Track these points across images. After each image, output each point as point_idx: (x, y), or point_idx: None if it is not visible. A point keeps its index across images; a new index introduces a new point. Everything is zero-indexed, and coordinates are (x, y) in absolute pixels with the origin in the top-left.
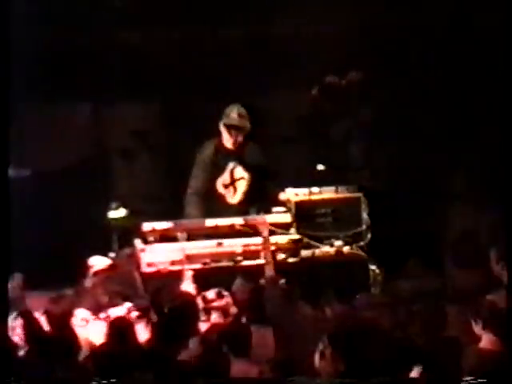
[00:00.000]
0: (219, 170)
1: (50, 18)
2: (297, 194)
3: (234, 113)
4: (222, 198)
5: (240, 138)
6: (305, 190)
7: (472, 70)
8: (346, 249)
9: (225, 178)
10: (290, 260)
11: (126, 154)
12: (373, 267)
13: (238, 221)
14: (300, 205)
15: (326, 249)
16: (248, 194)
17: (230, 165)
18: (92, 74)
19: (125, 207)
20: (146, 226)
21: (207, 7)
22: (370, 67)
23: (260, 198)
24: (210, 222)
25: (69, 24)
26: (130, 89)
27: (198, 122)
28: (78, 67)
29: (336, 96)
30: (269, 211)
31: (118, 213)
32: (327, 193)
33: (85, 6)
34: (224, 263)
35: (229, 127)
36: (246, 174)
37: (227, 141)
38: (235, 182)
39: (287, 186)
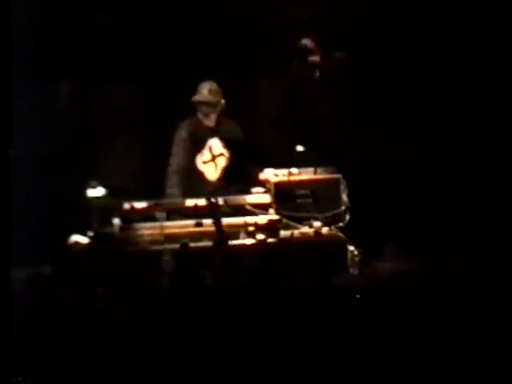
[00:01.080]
0: (198, 148)
1: None
2: (276, 175)
3: (204, 89)
4: (201, 175)
5: (213, 115)
6: (284, 171)
7: (465, 47)
8: (325, 230)
9: (204, 154)
10: (269, 240)
11: (107, 133)
12: (351, 248)
13: (218, 201)
14: (279, 185)
15: (304, 229)
16: (227, 170)
17: (209, 141)
18: (74, 54)
19: (104, 186)
20: (125, 205)
21: None
22: (359, 48)
23: (239, 176)
24: (190, 202)
25: (52, 3)
26: (112, 68)
27: (181, 101)
28: (61, 47)
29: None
30: (248, 191)
31: (96, 191)
32: (306, 174)
33: None
34: (203, 243)
35: (199, 103)
36: (224, 151)
37: (202, 117)
38: (215, 159)
39: (267, 166)
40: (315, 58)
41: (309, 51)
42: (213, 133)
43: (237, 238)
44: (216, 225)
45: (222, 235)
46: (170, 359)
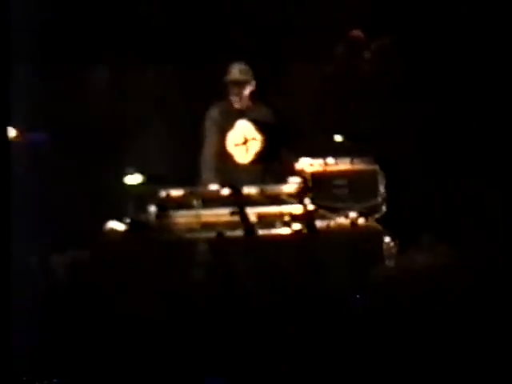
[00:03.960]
0: (230, 130)
1: None
2: (312, 165)
3: (235, 69)
4: (233, 157)
5: (244, 94)
6: (320, 161)
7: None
8: (361, 220)
9: (236, 137)
10: (304, 231)
11: (141, 119)
12: (387, 240)
13: (252, 190)
14: (315, 175)
15: (340, 220)
16: (260, 154)
17: (239, 122)
18: (107, 39)
19: (141, 173)
20: (162, 193)
21: None
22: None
23: (273, 160)
24: (225, 191)
25: None
26: (144, 53)
27: (215, 86)
28: (92, 31)
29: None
30: (284, 181)
31: (134, 178)
32: (343, 164)
33: None
34: (239, 232)
35: (230, 83)
36: (257, 135)
37: (233, 100)
38: (247, 142)
39: (302, 154)
40: (360, 45)
41: (357, 41)
42: (244, 115)
43: (272, 227)
44: (241, 215)
45: (248, 225)
46: (201, 350)
